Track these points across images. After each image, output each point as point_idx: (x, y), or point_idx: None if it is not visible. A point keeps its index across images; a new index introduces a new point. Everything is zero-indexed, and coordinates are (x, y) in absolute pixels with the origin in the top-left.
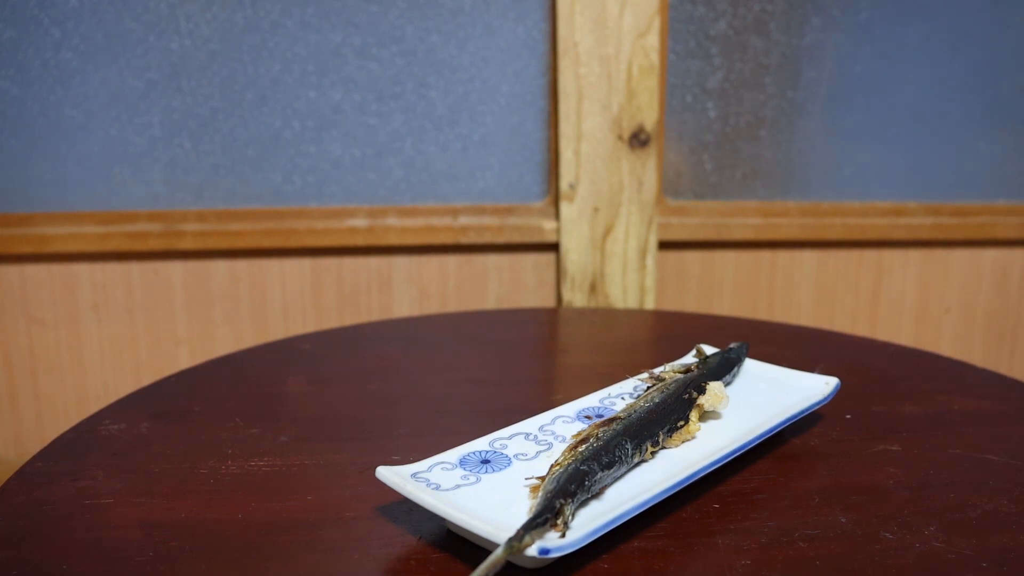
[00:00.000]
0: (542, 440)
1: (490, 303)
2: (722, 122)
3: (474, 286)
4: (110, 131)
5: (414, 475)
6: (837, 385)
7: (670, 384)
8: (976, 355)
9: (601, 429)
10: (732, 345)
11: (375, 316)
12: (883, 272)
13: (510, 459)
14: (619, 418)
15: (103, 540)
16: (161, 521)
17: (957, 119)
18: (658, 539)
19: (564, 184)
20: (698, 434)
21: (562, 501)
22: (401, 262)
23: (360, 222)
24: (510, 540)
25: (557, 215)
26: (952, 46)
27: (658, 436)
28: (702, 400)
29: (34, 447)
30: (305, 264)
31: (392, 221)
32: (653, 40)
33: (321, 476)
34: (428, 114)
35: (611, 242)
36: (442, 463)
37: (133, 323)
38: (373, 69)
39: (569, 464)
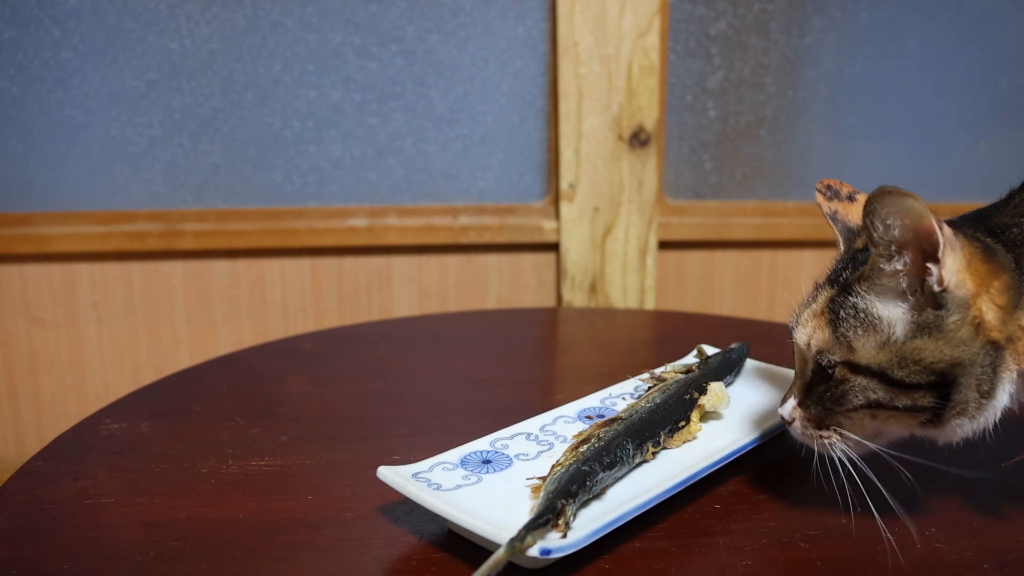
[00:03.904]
0: (543, 440)
1: (490, 303)
2: (722, 122)
3: (474, 286)
4: (110, 131)
5: (415, 475)
6: None
7: (671, 384)
8: None
9: (602, 429)
10: (733, 345)
11: (375, 316)
12: None
13: (511, 459)
14: (620, 418)
15: (103, 540)
16: (161, 521)
17: (957, 119)
18: (659, 539)
19: (564, 184)
20: (699, 434)
21: (563, 501)
22: (401, 262)
23: (360, 222)
24: (512, 540)
25: (557, 215)
26: (952, 46)
27: (659, 436)
28: (703, 400)
29: (34, 447)
30: (305, 264)
31: (392, 221)
32: (653, 40)
33: (321, 476)
34: (428, 114)
35: (611, 242)
36: (443, 463)
37: (133, 323)
38: (373, 69)
39: (570, 464)
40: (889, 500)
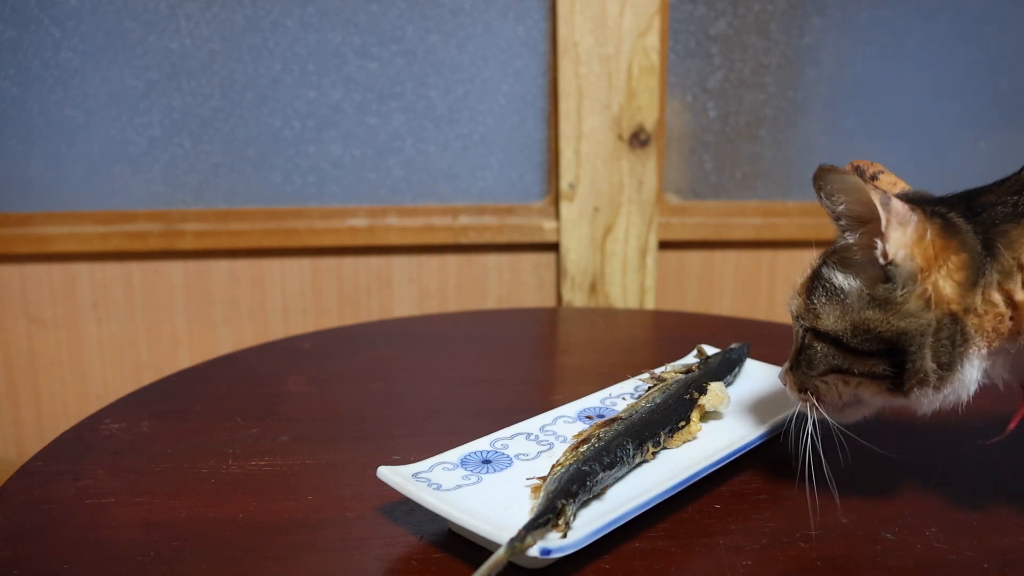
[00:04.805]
0: (543, 440)
1: (490, 303)
2: (722, 122)
3: (474, 286)
4: (110, 131)
5: (415, 475)
6: None
7: (671, 384)
8: None
9: (602, 429)
10: (733, 345)
11: (375, 316)
12: None
13: (511, 459)
14: (620, 418)
15: (104, 540)
16: (161, 521)
17: (957, 119)
18: (659, 539)
19: (564, 184)
20: (699, 434)
21: (563, 501)
22: (401, 262)
23: (360, 222)
24: (512, 540)
25: (557, 215)
26: (952, 46)
27: (659, 436)
28: (703, 400)
29: (34, 447)
30: (305, 264)
31: (392, 221)
32: (653, 40)
33: (321, 476)
34: (428, 114)
35: (611, 242)
36: (443, 463)
37: (133, 323)
38: (373, 69)
39: (570, 464)
40: (825, 470)
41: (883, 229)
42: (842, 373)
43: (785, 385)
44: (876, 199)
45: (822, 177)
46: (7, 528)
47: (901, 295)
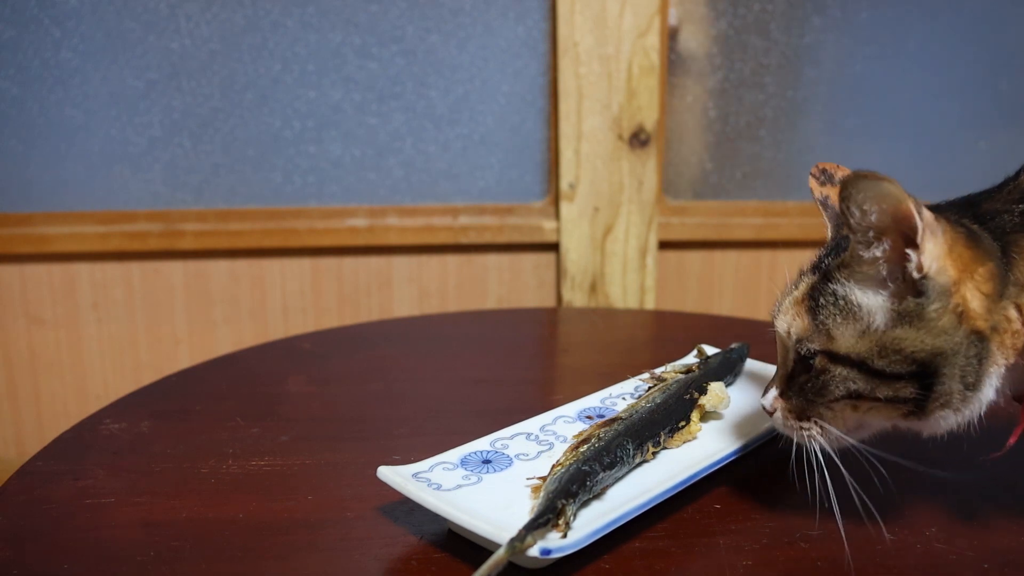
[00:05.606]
0: (543, 440)
1: (490, 303)
2: (722, 122)
3: (474, 286)
4: (110, 131)
5: (415, 475)
6: None
7: (671, 384)
8: None
9: (603, 429)
10: (733, 345)
11: (375, 316)
12: None
13: (511, 459)
14: (620, 418)
15: (104, 540)
16: (161, 521)
17: (957, 119)
18: (659, 539)
19: (564, 184)
20: (699, 434)
21: (564, 501)
22: (401, 262)
23: (360, 222)
24: (512, 540)
25: (557, 215)
26: (951, 46)
27: (659, 436)
28: (703, 400)
29: (34, 447)
30: (305, 264)
31: (392, 221)
32: (653, 40)
33: (321, 476)
34: (428, 114)
35: (611, 242)
36: (443, 463)
37: (133, 323)
38: (373, 69)
39: (571, 464)
40: (856, 499)
41: (919, 240)
42: (858, 398)
43: (774, 413)
44: (913, 207)
45: (854, 184)
46: (7, 528)
47: (935, 310)
